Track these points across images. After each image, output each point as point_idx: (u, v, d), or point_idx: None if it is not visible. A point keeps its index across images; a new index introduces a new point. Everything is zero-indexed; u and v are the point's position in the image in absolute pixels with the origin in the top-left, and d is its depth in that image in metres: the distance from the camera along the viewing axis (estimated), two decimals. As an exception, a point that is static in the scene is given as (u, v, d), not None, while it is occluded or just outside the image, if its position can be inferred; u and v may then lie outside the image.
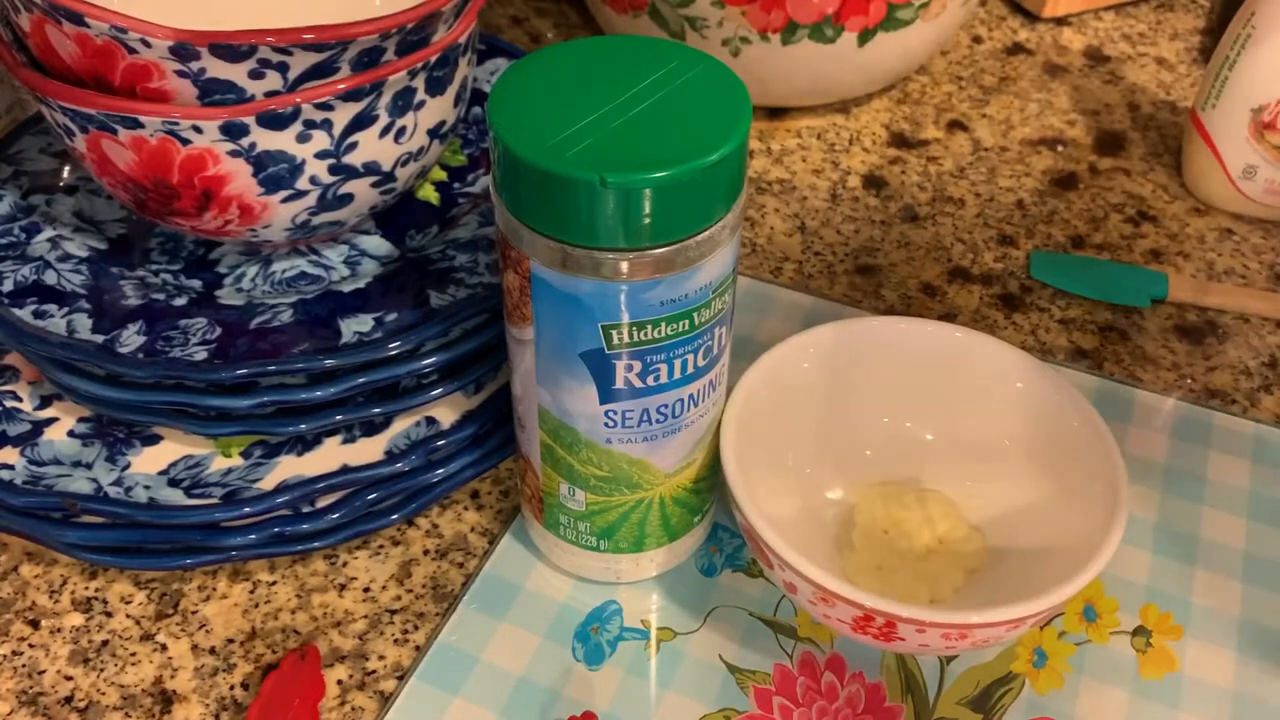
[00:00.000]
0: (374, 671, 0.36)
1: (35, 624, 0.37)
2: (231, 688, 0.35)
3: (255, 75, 0.33)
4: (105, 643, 0.37)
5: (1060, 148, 0.56)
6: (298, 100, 0.34)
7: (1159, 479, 0.41)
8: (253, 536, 0.36)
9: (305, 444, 0.39)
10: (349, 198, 0.38)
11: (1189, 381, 0.45)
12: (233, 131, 0.34)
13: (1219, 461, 0.41)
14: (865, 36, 0.52)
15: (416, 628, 0.37)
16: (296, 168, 0.35)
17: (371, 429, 0.39)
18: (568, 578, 0.38)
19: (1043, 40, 0.64)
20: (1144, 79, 0.61)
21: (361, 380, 0.36)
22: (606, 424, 0.32)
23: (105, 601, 0.38)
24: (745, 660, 0.36)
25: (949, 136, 0.57)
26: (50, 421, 0.39)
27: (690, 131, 0.28)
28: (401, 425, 0.39)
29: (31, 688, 0.35)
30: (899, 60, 0.55)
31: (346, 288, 0.40)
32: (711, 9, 0.51)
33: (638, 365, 0.31)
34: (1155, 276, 0.48)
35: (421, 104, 0.37)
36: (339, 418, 0.36)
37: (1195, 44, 0.63)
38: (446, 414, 0.39)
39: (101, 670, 0.36)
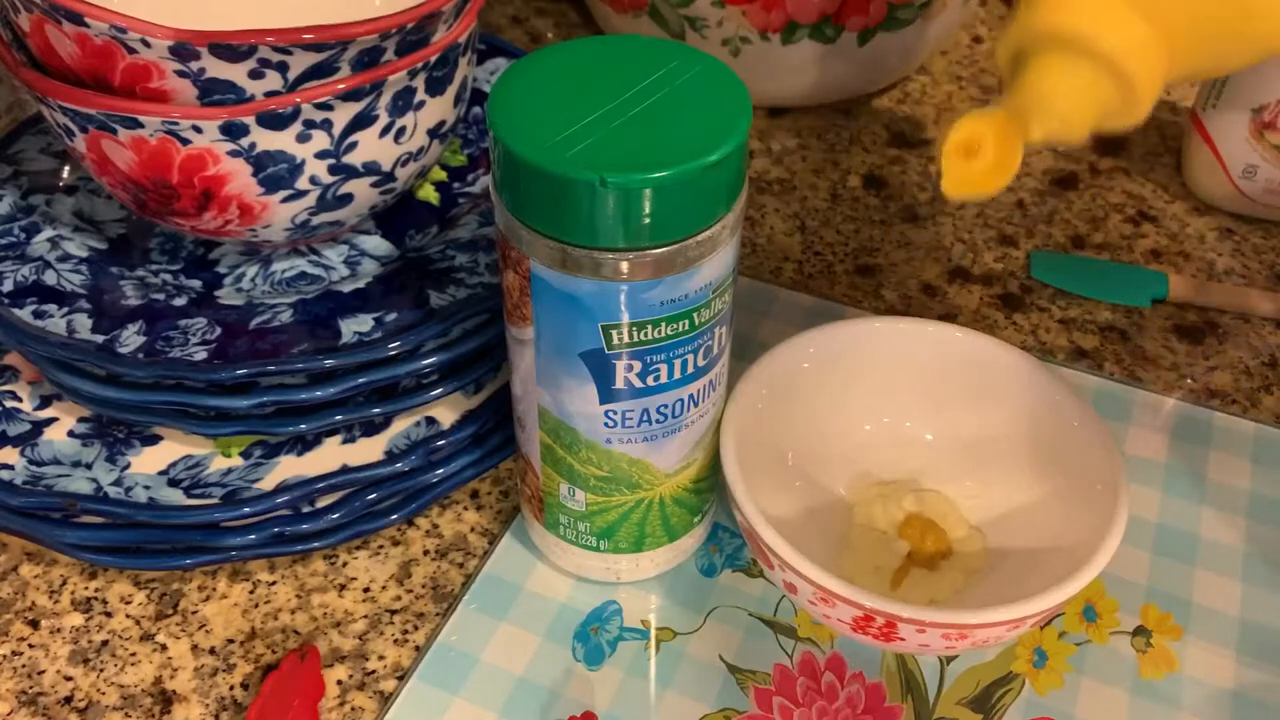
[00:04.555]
0: (374, 671, 0.36)
1: (35, 624, 0.37)
2: (231, 688, 0.35)
3: (255, 75, 0.33)
4: (105, 643, 0.37)
5: (1060, 147, 0.56)
6: (298, 100, 0.34)
7: (1159, 479, 0.41)
8: (253, 536, 0.36)
9: (305, 444, 0.39)
10: (349, 198, 0.38)
11: (1189, 381, 0.45)
12: (233, 131, 0.34)
13: (1219, 461, 0.41)
14: (865, 36, 0.52)
15: (416, 628, 0.37)
16: (296, 168, 0.35)
17: (371, 429, 0.39)
18: (568, 578, 0.38)
19: (1043, 40, 0.64)
20: (1144, 79, 0.61)
21: (361, 380, 0.36)
22: (606, 424, 0.32)
23: (105, 601, 0.38)
24: (745, 660, 0.36)
25: (949, 136, 0.57)
26: (50, 421, 0.39)
27: (690, 131, 0.28)
28: (401, 425, 0.39)
29: (31, 688, 0.35)
30: (899, 60, 0.55)
31: (346, 288, 0.40)
32: (711, 9, 0.51)
33: (638, 365, 0.31)
34: (1155, 276, 0.48)
35: (421, 104, 0.37)
36: (339, 418, 0.36)
37: (1195, 44, 0.63)
38: (446, 414, 0.39)
39: (101, 670, 0.36)
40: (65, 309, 0.38)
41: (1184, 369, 0.45)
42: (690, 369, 0.32)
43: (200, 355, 0.36)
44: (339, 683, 0.35)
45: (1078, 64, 0.29)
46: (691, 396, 0.32)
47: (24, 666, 0.36)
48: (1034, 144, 0.31)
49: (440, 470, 0.38)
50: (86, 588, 0.38)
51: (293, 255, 0.42)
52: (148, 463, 0.38)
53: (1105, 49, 0.29)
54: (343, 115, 0.35)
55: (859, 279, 0.49)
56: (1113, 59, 0.29)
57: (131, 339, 0.36)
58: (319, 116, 0.34)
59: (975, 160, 0.31)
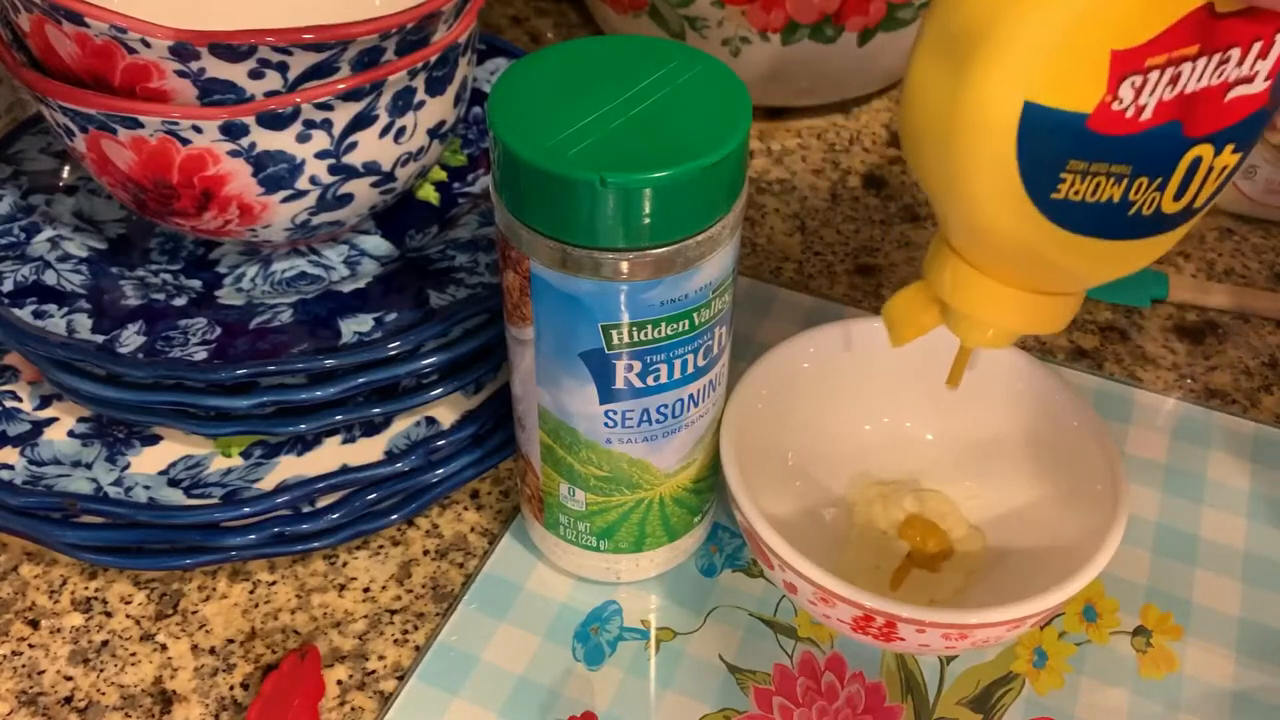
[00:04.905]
0: (374, 671, 0.36)
1: (35, 624, 0.37)
2: (231, 688, 0.35)
3: (255, 75, 0.33)
4: (105, 643, 0.37)
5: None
6: (298, 100, 0.34)
7: (1159, 479, 0.41)
8: (252, 536, 0.36)
9: (305, 444, 0.39)
10: (349, 198, 0.38)
11: (1189, 381, 0.45)
12: (233, 131, 0.34)
13: (1219, 461, 0.41)
14: (865, 36, 0.52)
15: (416, 628, 0.37)
16: (296, 168, 0.35)
17: (371, 429, 0.39)
18: (568, 578, 0.38)
19: (1043, 40, 0.64)
20: (1144, 79, 0.61)
21: (361, 380, 0.36)
22: (606, 424, 0.32)
23: (105, 601, 0.38)
24: (745, 660, 0.36)
25: (949, 136, 0.57)
26: (50, 421, 0.39)
27: (690, 131, 0.28)
28: (401, 425, 0.39)
29: (31, 688, 0.35)
30: (899, 60, 0.55)
31: (346, 288, 0.40)
32: (711, 9, 0.51)
33: (638, 365, 0.31)
34: (1155, 276, 0.48)
35: (421, 104, 0.37)
36: (339, 418, 0.36)
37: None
38: (446, 414, 0.39)
39: (101, 670, 0.36)
40: (65, 309, 0.38)
41: (1184, 369, 0.45)
42: (690, 369, 0.32)
43: (200, 355, 0.36)
44: (339, 683, 0.35)
45: (960, 320, 0.32)
46: (691, 396, 0.32)
47: (24, 666, 0.36)
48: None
49: (440, 470, 0.38)
50: (86, 588, 0.38)
51: (293, 255, 0.42)
52: (148, 463, 0.38)
53: (977, 316, 0.31)
54: (343, 115, 0.35)
55: (859, 279, 0.49)
56: (985, 320, 0.32)
57: (131, 339, 0.36)
58: (319, 116, 0.34)
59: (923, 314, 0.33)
